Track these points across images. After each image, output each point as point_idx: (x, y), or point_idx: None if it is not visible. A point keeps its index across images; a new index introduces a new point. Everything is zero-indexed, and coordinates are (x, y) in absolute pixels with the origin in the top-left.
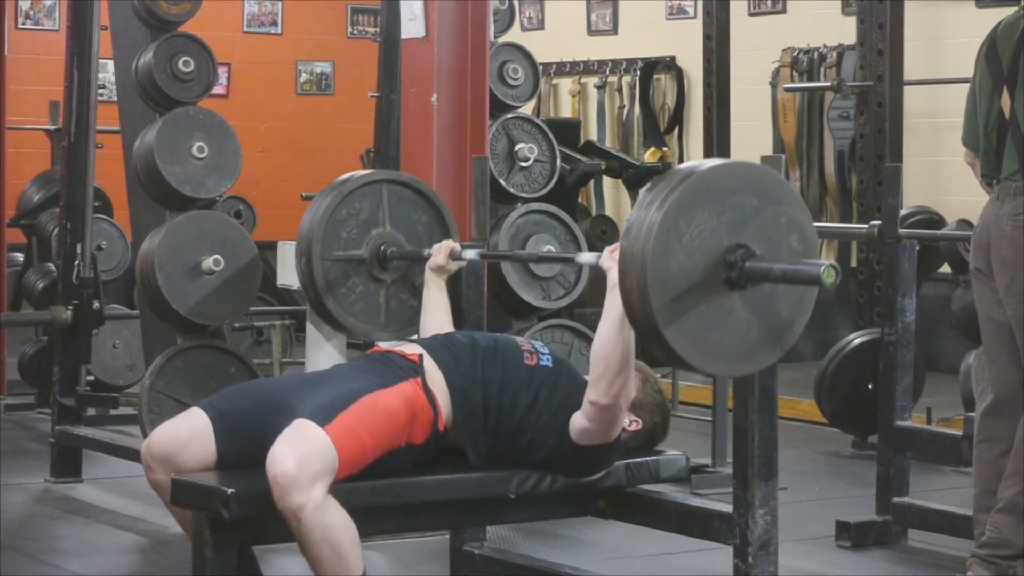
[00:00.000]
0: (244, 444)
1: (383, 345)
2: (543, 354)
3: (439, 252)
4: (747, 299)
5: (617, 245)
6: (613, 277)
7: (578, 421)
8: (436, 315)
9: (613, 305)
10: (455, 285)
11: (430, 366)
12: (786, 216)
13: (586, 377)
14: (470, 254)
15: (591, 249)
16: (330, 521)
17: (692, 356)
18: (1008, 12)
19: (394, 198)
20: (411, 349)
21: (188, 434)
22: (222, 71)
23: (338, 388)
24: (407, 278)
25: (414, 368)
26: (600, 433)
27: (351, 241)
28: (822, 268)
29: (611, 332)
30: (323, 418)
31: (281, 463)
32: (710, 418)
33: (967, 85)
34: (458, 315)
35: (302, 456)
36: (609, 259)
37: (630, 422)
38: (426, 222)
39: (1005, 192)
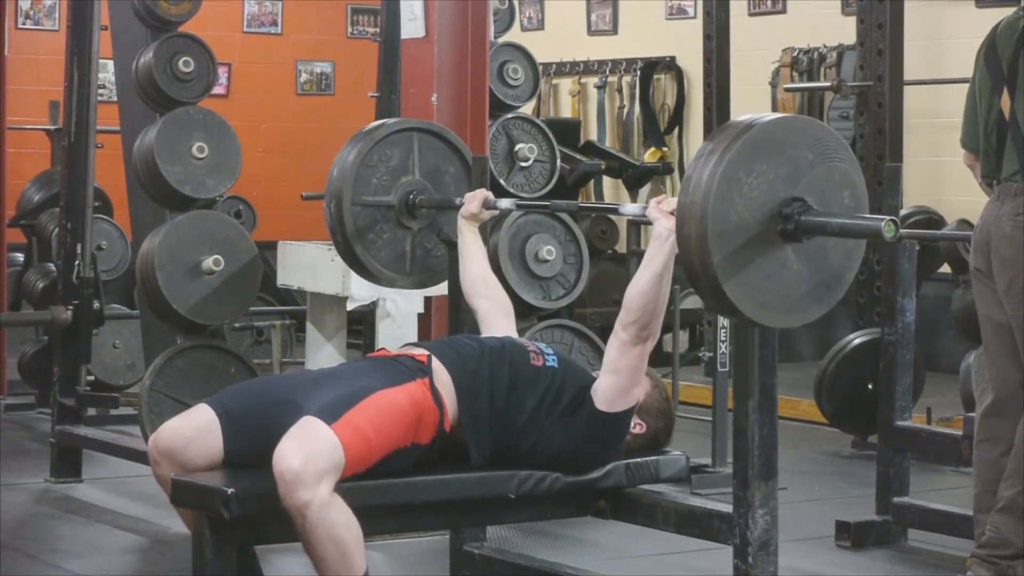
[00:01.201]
0: (251, 441)
1: (390, 350)
2: (548, 355)
3: (472, 200)
4: (800, 252)
5: (663, 196)
6: (660, 228)
7: (603, 380)
8: (475, 260)
9: (657, 255)
10: (455, 283)
11: (437, 367)
12: (839, 172)
13: (593, 373)
14: (505, 203)
15: (591, 250)
16: (335, 519)
17: (747, 307)
18: (1008, 12)
19: (424, 147)
20: (418, 351)
21: (195, 430)
22: (222, 71)
23: (345, 386)
24: (434, 227)
25: (422, 368)
26: (626, 386)
27: (380, 187)
28: (883, 223)
29: (651, 283)
30: (330, 416)
31: (287, 459)
32: (710, 418)
33: (967, 85)
34: (456, 314)
35: (308, 453)
36: (656, 210)
37: (635, 424)
38: (454, 173)
39: (1005, 192)
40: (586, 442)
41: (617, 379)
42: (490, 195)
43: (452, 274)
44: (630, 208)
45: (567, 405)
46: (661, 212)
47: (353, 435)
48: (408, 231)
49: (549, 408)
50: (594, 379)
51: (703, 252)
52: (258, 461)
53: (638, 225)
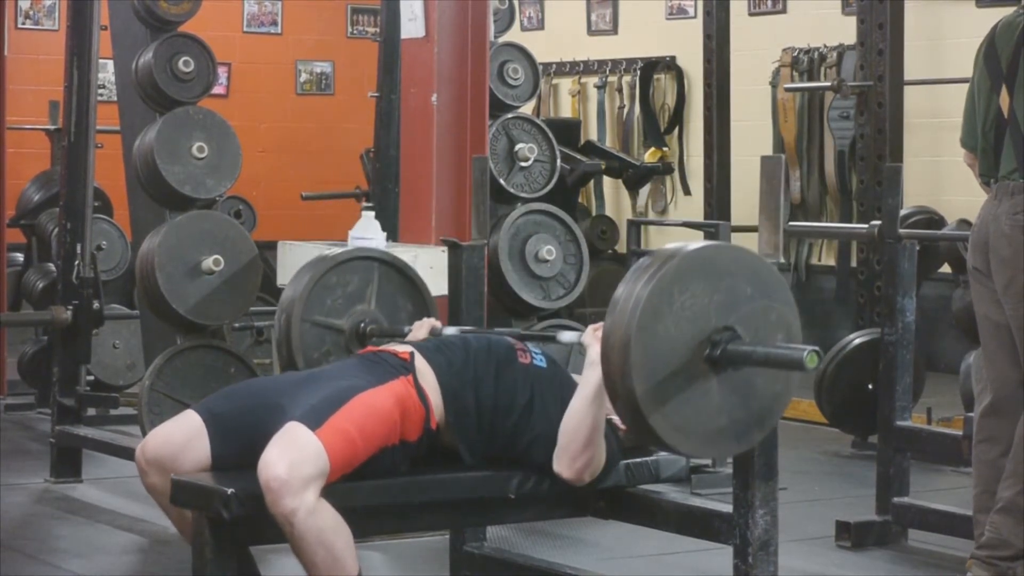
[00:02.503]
0: (239, 446)
1: (375, 347)
2: (536, 354)
3: (420, 328)
4: (725, 383)
5: (600, 324)
6: (593, 354)
7: (557, 466)
8: None
9: (588, 382)
10: (455, 283)
11: (421, 364)
12: (777, 313)
13: (578, 379)
14: (450, 331)
15: (591, 250)
16: (323, 524)
17: (676, 441)
18: (1008, 12)
19: (384, 280)
20: (402, 348)
21: (183, 437)
22: (222, 71)
23: (329, 388)
24: None
25: (405, 366)
26: (576, 481)
27: (334, 310)
28: (805, 353)
29: (582, 407)
30: (314, 421)
31: (272, 468)
32: None
33: (967, 85)
34: (456, 314)
35: (292, 461)
36: (591, 336)
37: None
38: (411, 311)
39: (1003, 191)
40: None
41: (567, 477)
42: (437, 324)
43: (452, 275)
44: (567, 336)
45: (556, 407)
46: (595, 338)
47: (338, 439)
48: None
49: (539, 409)
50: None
51: (626, 382)
52: (247, 465)
53: (638, 225)
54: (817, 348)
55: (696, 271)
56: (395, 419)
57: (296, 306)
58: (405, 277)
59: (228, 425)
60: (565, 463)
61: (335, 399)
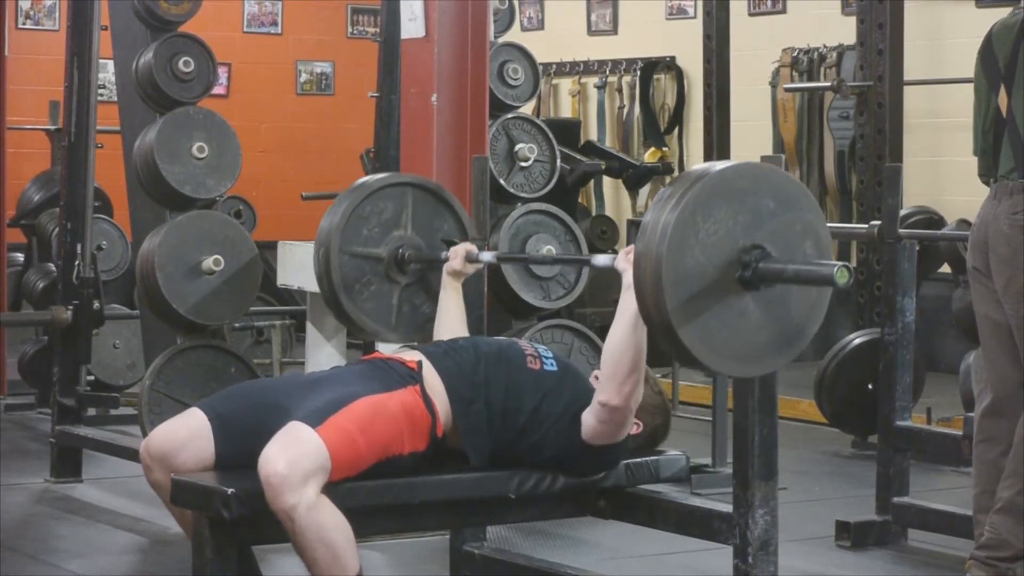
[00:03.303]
0: (242, 446)
1: (383, 351)
2: (547, 358)
3: (456, 255)
4: (760, 300)
5: (632, 247)
6: (628, 278)
7: (588, 420)
8: (450, 318)
9: (627, 306)
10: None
11: (429, 373)
12: (802, 222)
13: (593, 374)
14: (487, 256)
15: (591, 249)
16: (324, 521)
17: (705, 356)
18: (1007, 12)
19: (418, 203)
20: (411, 356)
21: (187, 435)
22: (222, 71)
23: (334, 392)
24: (422, 283)
25: (412, 375)
26: (608, 434)
27: (371, 239)
28: (835, 268)
29: (624, 333)
30: (315, 420)
31: (272, 463)
32: (710, 418)
33: (967, 85)
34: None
35: (292, 456)
36: (624, 261)
37: (631, 425)
38: (446, 231)
39: (1002, 191)
40: (579, 457)
41: (601, 427)
42: (473, 249)
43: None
44: (601, 259)
45: (562, 414)
46: (629, 262)
47: (338, 437)
48: (396, 285)
49: (546, 414)
50: (590, 387)
51: (658, 300)
52: (250, 465)
53: (639, 225)
54: (847, 264)
55: (717, 196)
56: (401, 426)
57: (333, 239)
58: (439, 199)
59: (232, 425)
60: (613, 390)
61: (339, 401)
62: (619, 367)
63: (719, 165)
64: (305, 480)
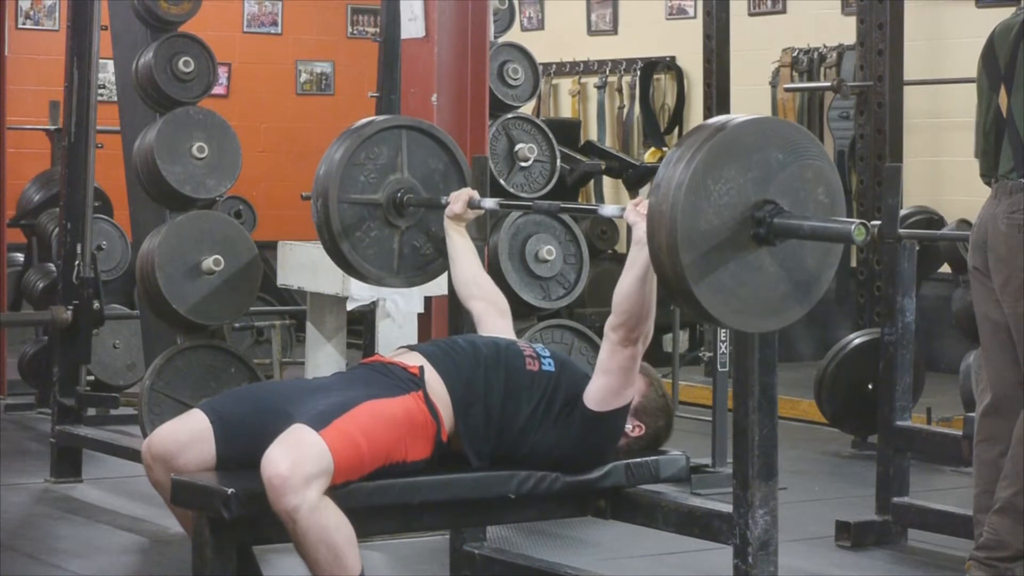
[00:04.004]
0: (243, 448)
1: (383, 355)
2: (545, 358)
3: (457, 200)
4: (775, 254)
5: (641, 199)
6: (638, 232)
7: (594, 382)
8: (465, 261)
9: (637, 259)
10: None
11: (431, 377)
12: (812, 170)
13: (587, 371)
14: (488, 203)
15: (591, 250)
16: (326, 522)
17: (721, 312)
18: (1008, 12)
19: (413, 145)
20: (412, 361)
21: (188, 436)
22: (222, 71)
23: (336, 396)
24: (422, 225)
25: (414, 381)
26: (616, 386)
27: (368, 185)
28: (853, 226)
29: (634, 285)
30: (318, 423)
31: (275, 465)
32: (710, 418)
33: (967, 85)
34: (456, 313)
35: (295, 458)
36: (634, 213)
37: (633, 427)
38: (443, 171)
39: (1002, 190)
40: (581, 443)
41: (608, 380)
42: (475, 194)
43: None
44: (609, 209)
45: (561, 409)
46: (639, 215)
47: (341, 440)
48: (396, 229)
49: (544, 412)
50: (588, 376)
51: (673, 258)
52: (250, 467)
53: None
54: (864, 221)
55: (724, 156)
56: (403, 431)
57: (330, 189)
58: (433, 138)
59: (234, 427)
60: (623, 335)
61: (342, 405)
62: (630, 316)
63: (728, 121)
64: (307, 482)
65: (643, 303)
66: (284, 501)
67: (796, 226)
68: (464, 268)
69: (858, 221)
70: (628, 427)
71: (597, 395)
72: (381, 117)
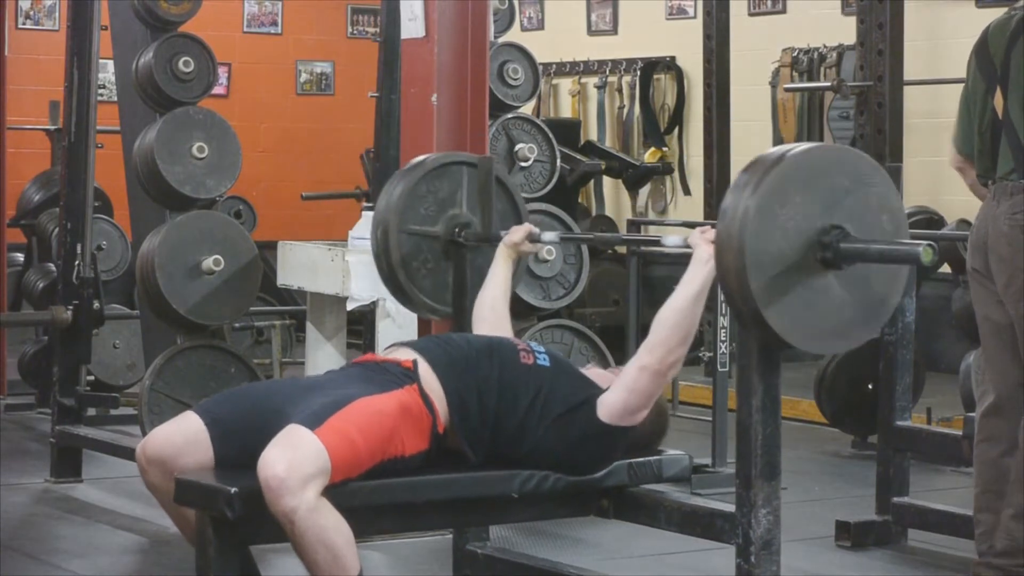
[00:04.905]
0: (239, 449)
1: (377, 353)
2: (539, 353)
3: (517, 231)
4: (842, 278)
5: (705, 226)
6: (701, 254)
7: (613, 395)
8: (495, 286)
9: (695, 278)
10: (459, 283)
11: (425, 371)
12: (877, 197)
13: (584, 372)
14: (549, 236)
15: (590, 251)
16: (324, 523)
17: (792, 336)
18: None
19: (473, 182)
20: (405, 355)
21: (183, 441)
22: (222, 71)
23: (331, 394)
24: (476, 261)
25: (408, 374)
26: (634, 407)
27: (428, 218)
28: (920, 248)
29: (686, 303)
30: (313, 422)
31: (272, 467)
32: (710, 418)
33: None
34: (460, 313)
35: (292, 459)
36: (698, 237)
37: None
38: (501, 210)
39: (1001, 192)
40: (584, 450)
41: (628, 398)
42: (535, 230)
43: (456, 275)
44: (672, 240)
45: (562, 406)
46: (704, 240)
47: (337, 439)
48: (451, 262)
49: (543, 409)
50: (588, 379)
51: (741, 282)
52: (247, 467)
53: (638, 225)
54: (932, 243)
55: (792, 181)
56: (399, 426)
57: (392, 217)
58: (495, 179)
59: (229, 428)
60: (659, 355)
61: (336, 403)
62: (673, 334)
63: (793, 149)
64: (304, 483)
65: (689, 324)
66: (282, 503)
67: (863, 249)
68: (490, 291)
69: (925, 243)
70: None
71: (613, 409)
72: (442, 153)
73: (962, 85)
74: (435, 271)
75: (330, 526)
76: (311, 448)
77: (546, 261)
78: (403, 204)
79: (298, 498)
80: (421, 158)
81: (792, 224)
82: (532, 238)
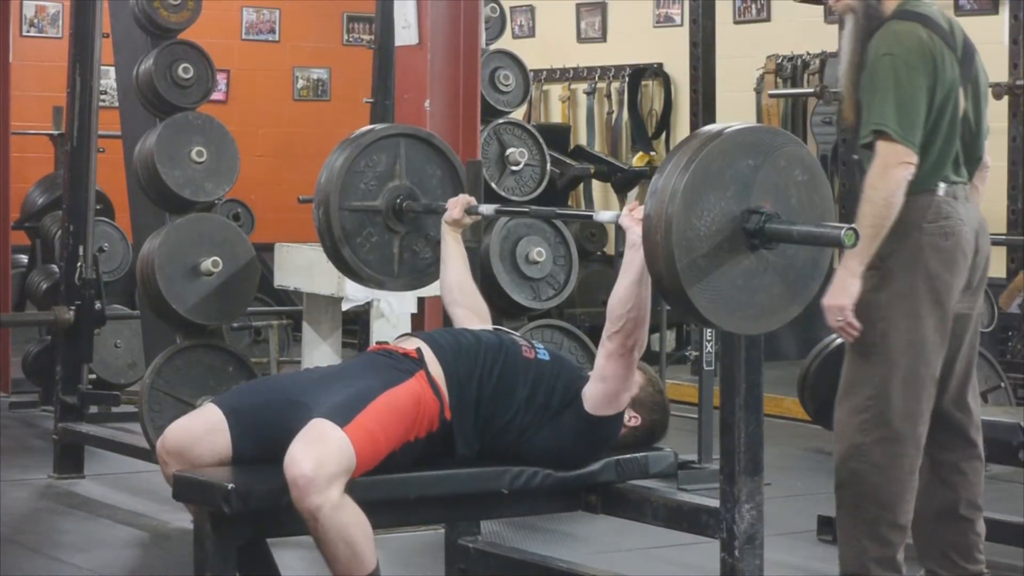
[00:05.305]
0: (258, 440)
1: (387, 343)
2: (540, 349)
3: (455, 206)
4: (766, 258)
5: (635, 204)
6: (632, 236)
7: (591, 386)
8: (454, 266)
9: (632, 263)
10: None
11: (429, 357)
12: (784, 157)
13: (580, 368)
14: (485, 209)
15: (580, 252)
16: (346, 520)
17: (717, 315)
18: (986, 20)
19: (411, 152)
20: (409, 344)
21: (202, 429)
22: (221, 77)
23: (353, 387)
24: (421, 230)
25: (416, 362)
26: (612, 394)
27: (368, 192)
28: (842, 231)
29: (629, 289)
30: (342, 418)
31: (300, 465)
32: (695, 415)
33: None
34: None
35: (319, 458)
36: (628, 218)
37: (629, 418)
38: (440, 177)
39: (962, 193)
40: (574, 441)
41: (605, 386)
42: (472, 201)
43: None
44: (605, 215)
45: (557, 402)
46: (634, 220)
47: (364, 437)
48: (395, 234)
49: (540, 403)
50: (586, 378)
51: (668, 262)
52: (267, 459)
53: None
54: (854, 227)
55: (702, 185)
56: (414, 417)
57: (331, 197)
58: (430, 146)
59: (248, 419)
60: (618, 342)
61: (362, 397)
62: (625, 322)
63: (695, 151)
64: (330, 482)
65: (638, 308)
66: (308, 501)
67: (786, 232)
68: (452, 273)
69: (847, 226)
70: (624, 417)
71: (595, 399)
72: (380, 125)
73: None
74: (379, 245)
75: (351, 522)
76: (339, 446)
77: (536, 263)
78: (343, 180)
79: (323, 496)
80: (358, 132)
81: (712, 215)
82: (470, 210)
